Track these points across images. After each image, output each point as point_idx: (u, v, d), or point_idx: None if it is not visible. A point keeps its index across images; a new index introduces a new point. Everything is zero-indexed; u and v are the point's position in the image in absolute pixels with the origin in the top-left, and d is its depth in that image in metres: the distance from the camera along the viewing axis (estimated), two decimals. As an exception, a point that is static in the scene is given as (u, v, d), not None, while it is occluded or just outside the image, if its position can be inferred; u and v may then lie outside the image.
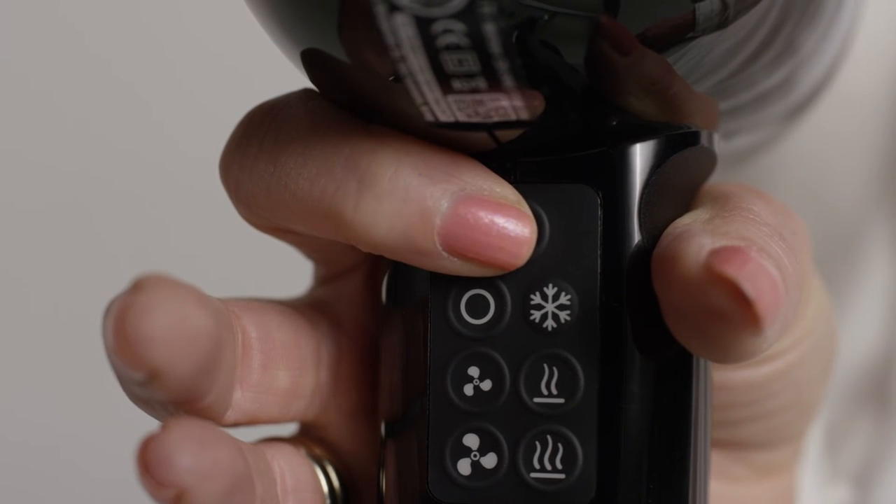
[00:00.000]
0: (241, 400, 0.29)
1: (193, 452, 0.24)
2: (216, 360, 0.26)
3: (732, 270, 0.25)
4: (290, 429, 0.32)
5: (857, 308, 0.51)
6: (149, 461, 0.24)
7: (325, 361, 0.30)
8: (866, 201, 0.50)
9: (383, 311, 0.30)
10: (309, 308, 0.31)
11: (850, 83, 0.48)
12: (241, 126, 0.29)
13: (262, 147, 0.28)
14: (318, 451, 0.31)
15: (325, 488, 0.30)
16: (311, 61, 0.27)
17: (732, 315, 0.25)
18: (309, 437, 0.31)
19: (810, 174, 0.50)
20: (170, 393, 0.25)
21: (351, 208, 0.27)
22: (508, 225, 0.27)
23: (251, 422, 0.29)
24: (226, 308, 0.29)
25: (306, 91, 0.29)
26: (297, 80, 0.30)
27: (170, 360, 0.24)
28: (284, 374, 0.30)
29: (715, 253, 0.25)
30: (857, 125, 0.50)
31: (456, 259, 0.27)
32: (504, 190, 0.27)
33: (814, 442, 0.42)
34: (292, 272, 0.37)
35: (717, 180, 0.30)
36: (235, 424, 0.29)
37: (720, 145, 0.30)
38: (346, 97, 0.28)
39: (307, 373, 0.30)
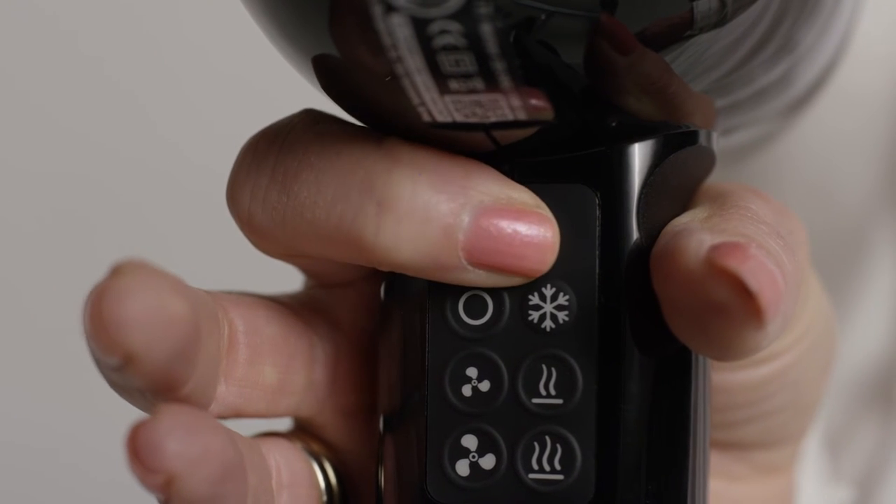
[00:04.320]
0: (226, 393, 0.29)
1: (183, 439, 0.24)
2: (193, 348, 0.26)
3: (734, 263, 0.25)
4: (286, 424, 0.32)
5: (862, 309, 0.51)
6: (138, 447, 0.24)
7: (321, 360, 0.30)
8: (872, 202, 0.50)
9: (382, 311, 0.30)
10: (304, 306, 0.31)
11: (856, 84, 0.48)
12: (247, 153, 0.28)
13: (273, 177, 0.28)
14: (315, 446, 0.31)
15: (322, 484, 0.30)
16: (312, 62, 0.27)
17: (734, 309, 0.25)
18: (306, 433, 0.31)
19: (817, 175, 0.50)
20: (145, 379, 0.25)
21: (372, 233, 0.27)
22: (531, 231, 0.27)
23: (236, 415, 0.29)
24: (213, 300, 0.28)
25: (308, 113, 0.28)
26: (295, 82, 0.29)
27: (144, 344, 0.24)
28: (271, 369, 0.30)
29: (716, 248, 0.25)
30: (864, 126, 0.49)
31: (481, 271, 0.27)
32: (521, 195, 0.27)
33: (813, 442, 0.42)
34: (294, 276, 0.37)
35: (719, 177, 0.30)
36: (220, 417, 0.29)
37: (719, 144, 0.30)
38: (346, 98, 0.28)
39: (297, 370, 0.30)
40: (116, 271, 0.24)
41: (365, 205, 0.27)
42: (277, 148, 0.28)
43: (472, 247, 0.27)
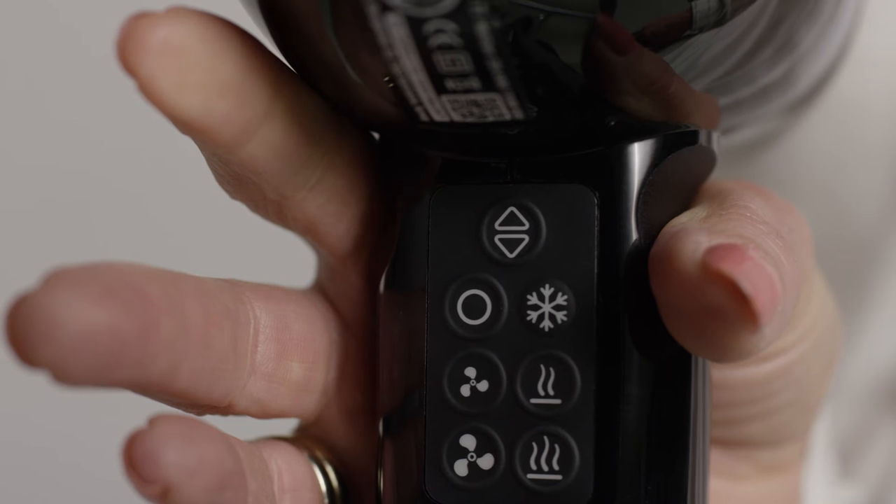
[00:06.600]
0: (254, 388, 0.29)
1: (179, 448, 0.24)
2: (125, 353, 0.24)
3: (729, 267, 0.25)
4: (288, 428, 0.32)
5: (875, 315, 0.51)
6: (134, 457, 0.24)
7: (335, 359, 0.30)
8: (886, 206, 0.50)
9: (381, 311, 0.30)
10: (322, 303, 0.31)
11: (869, 93, 0.48)
12: None
13: None
14: (317, 450, 0.31)
15: (324, 487, 0.30)
16: (308, 62, 0.27)
17: (730, 312, 0.25)
18: (308, 437, 0.31)
19: (830, 183, 0.50)
20: (87, 386, 0.24)
21: None
22: None
23: (261, 411, 0.29)
24: (237, 293, 0.28)
25: None
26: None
27: (62, 360, 0.23)
28: (298, 366, 0.30)
29: (712, 250, 0.25)
30: (878, 135, 0.49)
31: None
32: None
33: (819, 441, 0.42)
34: (294, 276, 0.36)
35: (725, 176, 0.30)
36: (245, 413, 0.29)
37: (720, 143, 0.30)
38: (343, 98, 0.28)
39: (319, 368, 0.30)
40: (46, 280, 0.23)
41: None
42: None
43: None
